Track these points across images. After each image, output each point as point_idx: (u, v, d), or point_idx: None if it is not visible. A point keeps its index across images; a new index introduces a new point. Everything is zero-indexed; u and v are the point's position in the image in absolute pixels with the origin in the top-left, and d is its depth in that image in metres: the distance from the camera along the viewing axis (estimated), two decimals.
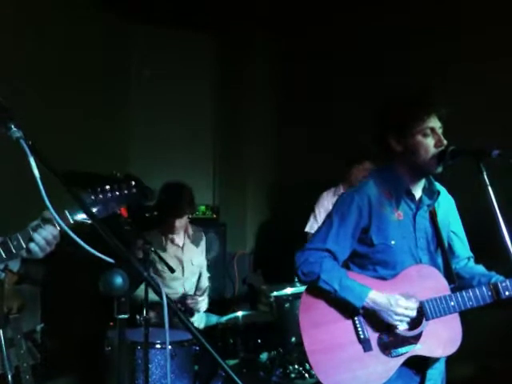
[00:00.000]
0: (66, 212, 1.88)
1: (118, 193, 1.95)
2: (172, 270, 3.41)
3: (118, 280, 1.38)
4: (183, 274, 4.03)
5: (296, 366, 3.54)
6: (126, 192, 1.96)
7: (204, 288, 4.20)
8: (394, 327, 2.34)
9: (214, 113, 5.85)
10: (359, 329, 2.36)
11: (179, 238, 4.06)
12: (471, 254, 2.63)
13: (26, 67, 4.23)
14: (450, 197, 2.61)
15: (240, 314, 3.87)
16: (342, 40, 4.94)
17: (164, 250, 3.96)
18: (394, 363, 2.34)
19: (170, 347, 3.13)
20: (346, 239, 2.43)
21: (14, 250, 1.86)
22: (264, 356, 3.75)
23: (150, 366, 3.06)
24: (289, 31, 5.46)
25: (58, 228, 1.87)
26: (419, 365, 2.40)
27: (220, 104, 5.83)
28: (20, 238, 1.87)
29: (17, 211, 2.95)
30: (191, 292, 4.09)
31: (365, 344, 2.35)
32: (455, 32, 4.15)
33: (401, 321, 2.33)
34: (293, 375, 3.52)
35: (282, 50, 5.63)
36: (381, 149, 2.47)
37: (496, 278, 2.41)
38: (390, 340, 2.36)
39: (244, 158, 5.89)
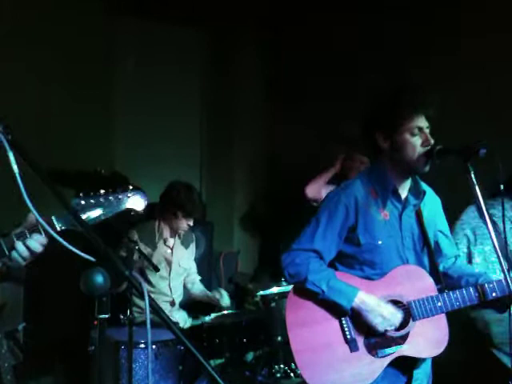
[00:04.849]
0: (53, 218, 1.72)
1: (111, 198, 1.77)
2: (156, 269, 3.36)
3: (99, 279, 1.33)
4: (169, 274, 3.99)
5: (282, 366, 3.52)
6: (120, 197, 1.77)
7: (201, 289, 4.16)
8: (377, 330, 2.32)
9: (202, 109, 5.78)
10: (346, 329, 2.34)
11: (171, 239, 4.01)
12: (458, 253, 2.65)
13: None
14: (436, 197, 2.61)
15: (226, 312, 3.84)
16: (335, 26, 4.85)
17: (154, 247, 3.91)
18: (380, 364, 2.32)
19: (154, 347, 3.10)
20: (333, 239, 2.41)
21: None
22: (250, 355, 3.73)
23: (133, 365, 3.03)
24: (279, 19, 5.38)
25: (45, 236, 1.70)
26: (405, 365, 2.39)
27: (208, 100, 5.76)
28: (3, 244, 1.73)
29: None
30: (179, 291, 4.05)
31: (351, 344, 2.33)
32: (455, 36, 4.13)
33: (383, 325, 2.31)
34: (278, 375, 3.49)
35: (271, 37, 5.55)
36: (368, 144, 2.46)
37: (483, 278, 2.40)
38: (377, 340, 2.34)
39: (232, 157, 5.85)
